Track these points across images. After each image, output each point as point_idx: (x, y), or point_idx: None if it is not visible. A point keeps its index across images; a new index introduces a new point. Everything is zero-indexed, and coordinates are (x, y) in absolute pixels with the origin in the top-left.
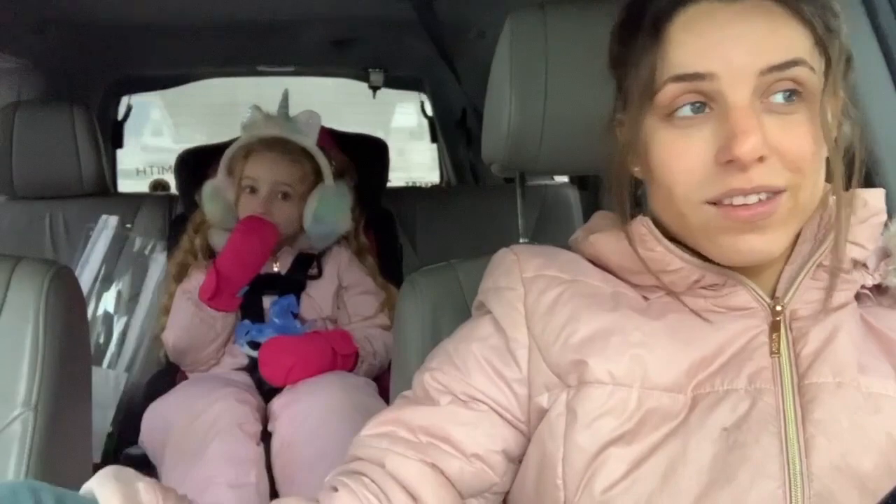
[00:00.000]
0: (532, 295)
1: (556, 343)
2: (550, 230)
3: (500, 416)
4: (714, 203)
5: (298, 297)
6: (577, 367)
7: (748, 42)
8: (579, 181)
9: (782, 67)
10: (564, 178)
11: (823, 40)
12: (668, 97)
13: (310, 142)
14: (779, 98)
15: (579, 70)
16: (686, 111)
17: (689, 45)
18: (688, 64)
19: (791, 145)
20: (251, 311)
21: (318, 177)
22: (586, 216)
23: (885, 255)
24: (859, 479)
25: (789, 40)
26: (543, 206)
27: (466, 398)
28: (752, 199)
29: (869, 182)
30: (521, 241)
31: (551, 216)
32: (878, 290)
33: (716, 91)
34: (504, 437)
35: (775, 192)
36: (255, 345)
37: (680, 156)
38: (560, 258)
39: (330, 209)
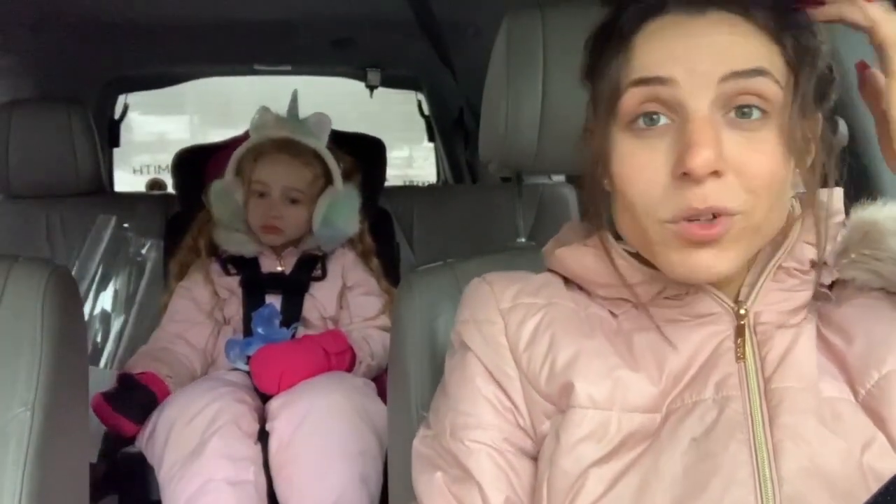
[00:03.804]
0: (512, 326)
1: (542, 373)
2: (547, 229)
3: (523, 451)
4: (671, 222)
5: (302, 298)
6: (566, 390)
7: (710, 49)
8: (576, 180)
9: (744, 75)
10: (561, 177)
11: (794, 59)
12: (631, 103)
13: (321, 144)
14: (741, 113)
15: (576, 70)
16: (641, 123)
17: (653, 52)
18: (649, 68)
19: (750, 163)
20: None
21: (327, 179)
22: (583, 215)
23: (842, 250)
24: (829, 480)
25: (754, 51)
26: (540, 204)
27: (498, 445)
28: (704, 217)
29: (861, 189)
30: (518, 240)
31: (548, 215)
32: (832, 286)
33: (676, 99)
34: (528, 470)
35: (728, 215)
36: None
37: (640, 169)
38: (533, 282)
39: (339, 213)
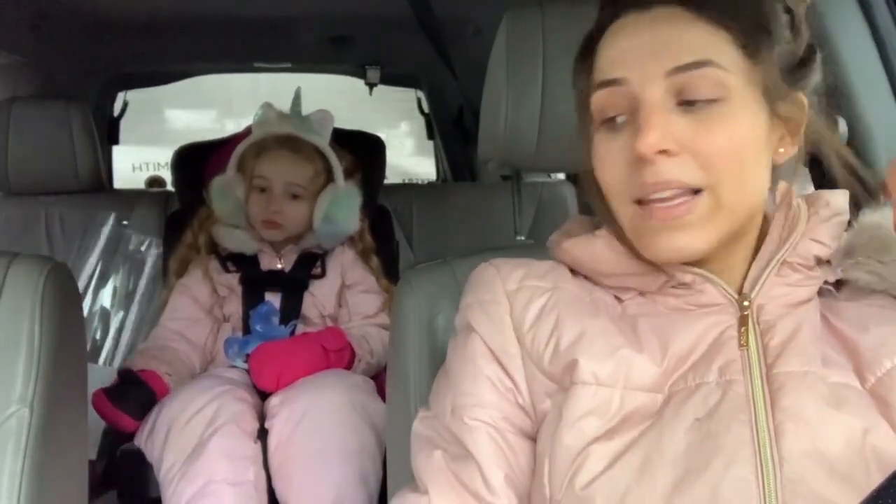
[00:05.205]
0: (518, 307)
1: (546, 351)
2: (547, 227)
3: (522, 431)
4: (639, 203)
5: (301, 296)
6: (570, 367)
7: (654, 46)
8: (575, 178)
9: (689, 68)
10: (561, 176)
11: (749, 43)
12: (598, 104)
13: (323, 141)
14: (689, 101)
15: None
16: (615, 121)
17: (608, 55)
18: (606, 71)
19: (704, 143)
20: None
21: (328, 176)
22: (582, 213)
23: (847, 251)
24: (829, 462)
25: (697, 43)
26: (540, 202)
27: (497, 423)
28: (667, 193)
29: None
30: (517, 238)
31: (547, 213)
32: (838, 284)
33: (632, 95)
34: (525, 450)
35: (693, 192)
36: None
37: (606, 157)
38: (538, 267)
39: (340, 210)
